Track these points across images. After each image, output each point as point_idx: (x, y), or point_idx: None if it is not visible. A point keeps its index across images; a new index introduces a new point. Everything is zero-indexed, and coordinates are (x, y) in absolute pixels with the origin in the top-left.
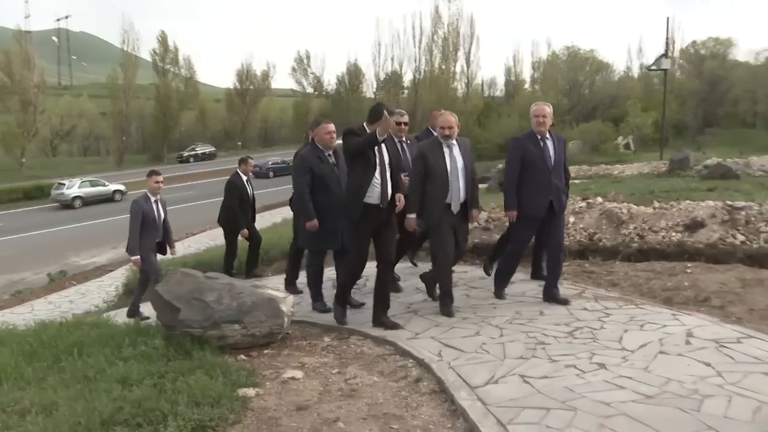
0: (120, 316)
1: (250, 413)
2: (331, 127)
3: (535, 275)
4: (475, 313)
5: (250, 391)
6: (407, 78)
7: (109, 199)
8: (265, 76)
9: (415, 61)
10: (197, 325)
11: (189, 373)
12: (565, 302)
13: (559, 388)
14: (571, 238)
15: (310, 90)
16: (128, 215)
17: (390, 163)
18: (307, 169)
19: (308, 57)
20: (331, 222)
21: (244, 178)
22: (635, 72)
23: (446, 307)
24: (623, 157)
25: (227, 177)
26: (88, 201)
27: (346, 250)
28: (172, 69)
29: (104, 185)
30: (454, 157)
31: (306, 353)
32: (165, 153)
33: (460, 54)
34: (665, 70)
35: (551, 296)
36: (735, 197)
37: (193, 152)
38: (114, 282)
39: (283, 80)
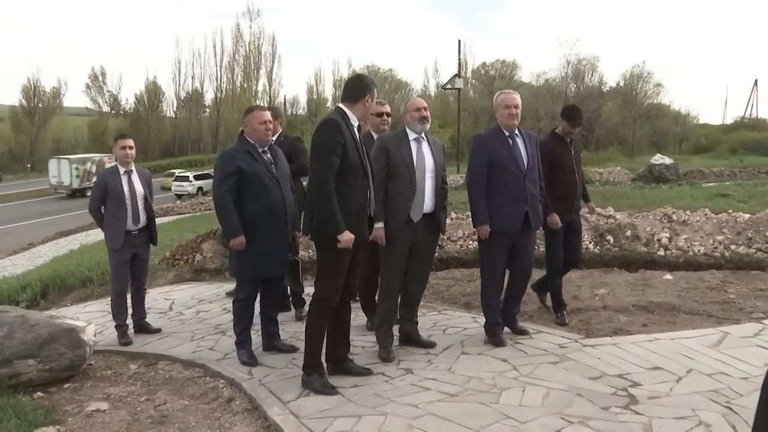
0: None
1: None
2: (267, 115)
3: (557, 307)
4: (284, 330)
5: (50, 430)
6: (209, 96)
7: None
8: (56, 93)
9: (217, 79)
10: None
11: None
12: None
13: (369, 395)
14: None
15: (106, 109)
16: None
17: (370, 163)
18: (232, 170)
19: (104, 74)
20: (271, 239)
21: None
22: (432, 90)
23: (384, 348)
24: None
25: (17, 202)
26: None
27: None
28: None
29: None
30: (423, 154)
31: (111, 383)
32: None
33: (262, 73)
34: (459, 89)
35: (509, 325)
36: None
37: None
38: None
39: (76, 98)
